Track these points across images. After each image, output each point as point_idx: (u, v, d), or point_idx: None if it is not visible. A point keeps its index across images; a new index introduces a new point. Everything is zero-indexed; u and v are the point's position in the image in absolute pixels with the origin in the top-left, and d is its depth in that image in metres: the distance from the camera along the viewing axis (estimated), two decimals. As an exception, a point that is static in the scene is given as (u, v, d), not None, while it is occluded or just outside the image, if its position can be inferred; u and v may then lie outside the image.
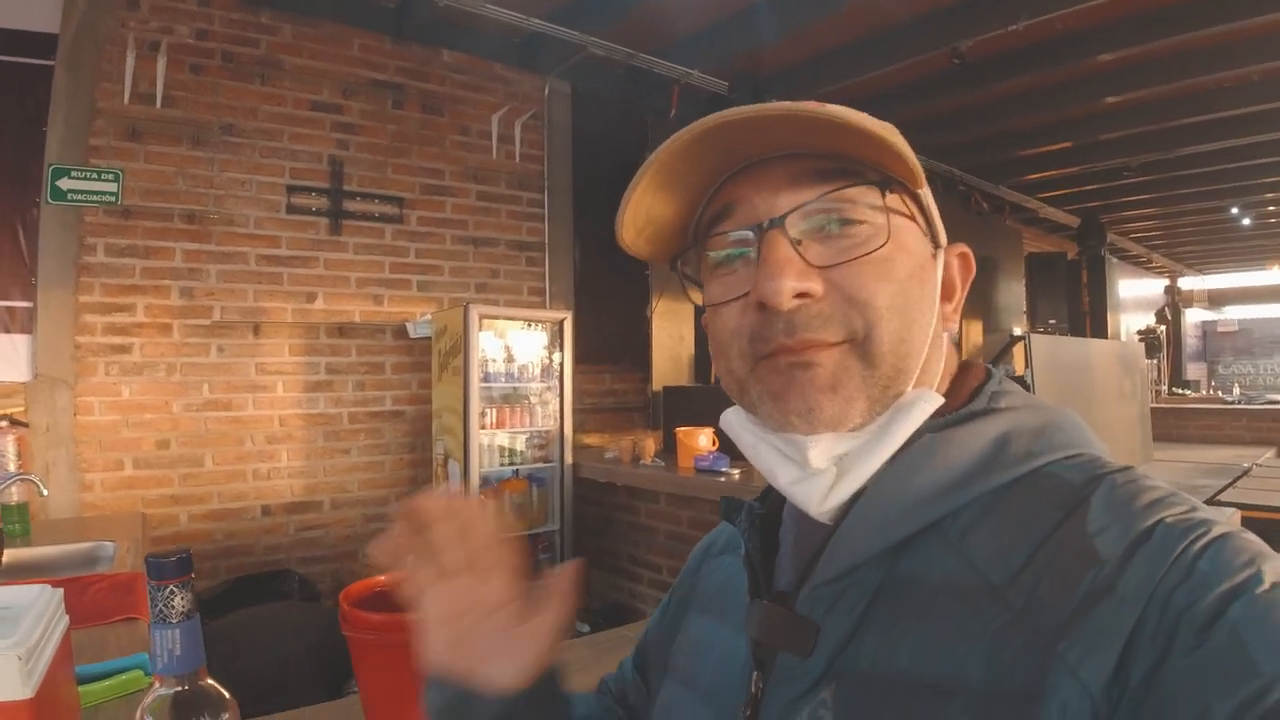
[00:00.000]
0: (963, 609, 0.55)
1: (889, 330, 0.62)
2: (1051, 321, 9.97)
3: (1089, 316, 10.52)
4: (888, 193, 0.64)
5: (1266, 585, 0.47)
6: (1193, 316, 17.46)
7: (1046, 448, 0.61)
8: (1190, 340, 16.88)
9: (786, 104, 0.60)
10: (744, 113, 0.60)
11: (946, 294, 0.70)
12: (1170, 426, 7.38)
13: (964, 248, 0.73)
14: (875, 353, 0.62)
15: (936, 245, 0.70)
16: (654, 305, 5.95)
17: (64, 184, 3.78)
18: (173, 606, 0.61)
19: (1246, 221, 10.47)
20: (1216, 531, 0.51)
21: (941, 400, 0.65)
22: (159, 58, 3.98)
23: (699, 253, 0.71)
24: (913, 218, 0.68)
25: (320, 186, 4.60)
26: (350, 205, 4.70)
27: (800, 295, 0.62)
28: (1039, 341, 3.53)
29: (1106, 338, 9.90)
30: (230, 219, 4.31)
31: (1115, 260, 11.61)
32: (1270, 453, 6.18)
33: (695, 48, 5.21)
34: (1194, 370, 16.14)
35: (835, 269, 0.62)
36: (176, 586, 0.62)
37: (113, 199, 3.91)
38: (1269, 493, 4.09)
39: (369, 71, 4.78)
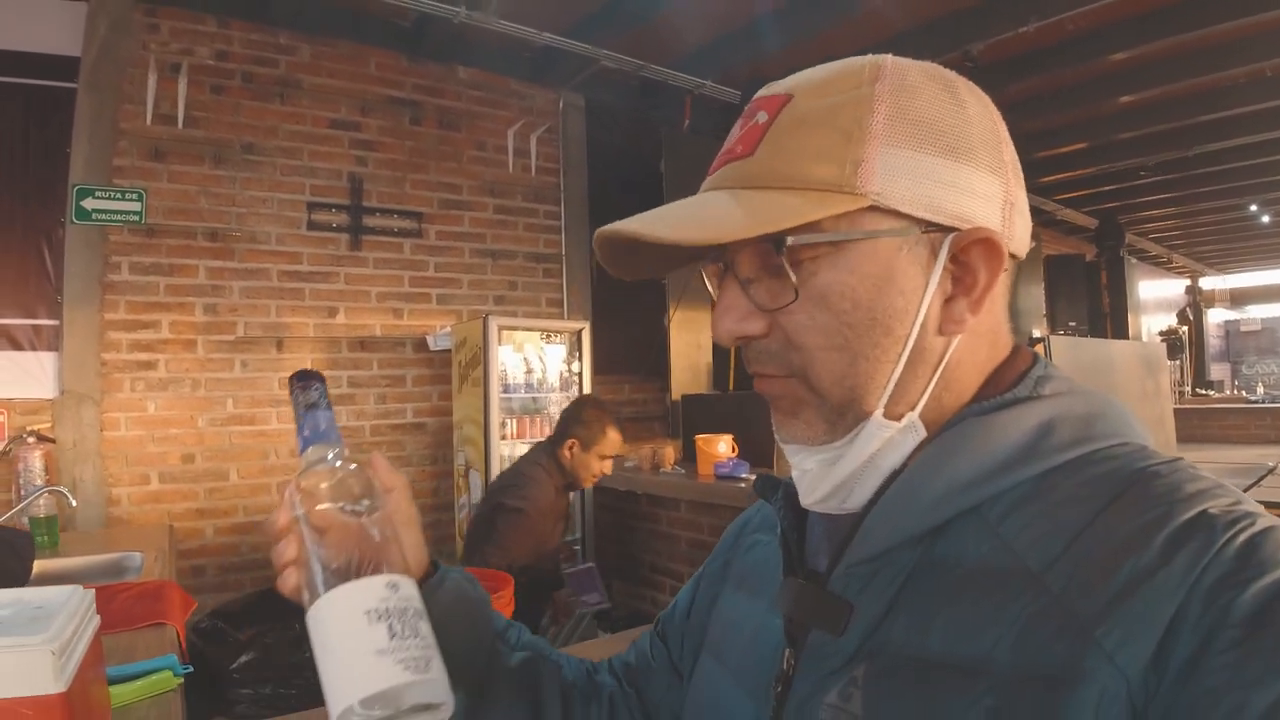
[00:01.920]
0: (998, 592, 0.55)
1: (827, 369, 0.62)
2: (1071, 324, 9.91)
3: (1109, 318, 10.44)
4: (824, 222, 0.60)
5: None
6: (1215, 316, 17.28)
7: (1091, 435, 0.60)
8: (1213, 340, 16.71)
9: (631, 226, 0.61)
10: (611, 232, 0.62)
11: (965, 288, 0.63)
12: (1194, 427, 7.32)
13: (986, 233, 0.62)
14: (818, 387, 0.63)
15: (947, 230, 0.62)
16: (671, 314, 5.97)
17: (88, 204, 3.85)
18: (303, 401, 0.74)
19: (1266, 219, 10.37)
20: (1262, 524, 0.50)
21: (892, 430, 0.63)
22: (180, 79, 4.06)
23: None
24: (895, 217, 0.61)
25: (340, 203, 4.65)
26: (370, 221, 4.75)
27: (741, 337, 0.65)
28: (1059, 344, 3.52)
29: (1128, 339, 9.82)
30: (252, 236, 4.37)
31: (1134, 261, 11.54)
32: (1295, 452, 6.12)
33: (705, 59, 5.23)
34: (1217, 370, 15.99)
35: (778, 312, 0.63)
36: (304, 385, 0.75)
37: (136, 218, 3.98)
38: (1293, 491, 4.05)
39: (386, 89, 4.84)
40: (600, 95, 5.69)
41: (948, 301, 0.63)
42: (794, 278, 0.60)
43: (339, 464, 0.72)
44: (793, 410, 0.65)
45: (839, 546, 0.65)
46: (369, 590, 0.63)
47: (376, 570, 0.65)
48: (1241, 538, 0.49)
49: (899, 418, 0.63)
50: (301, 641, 3.74)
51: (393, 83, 4.88)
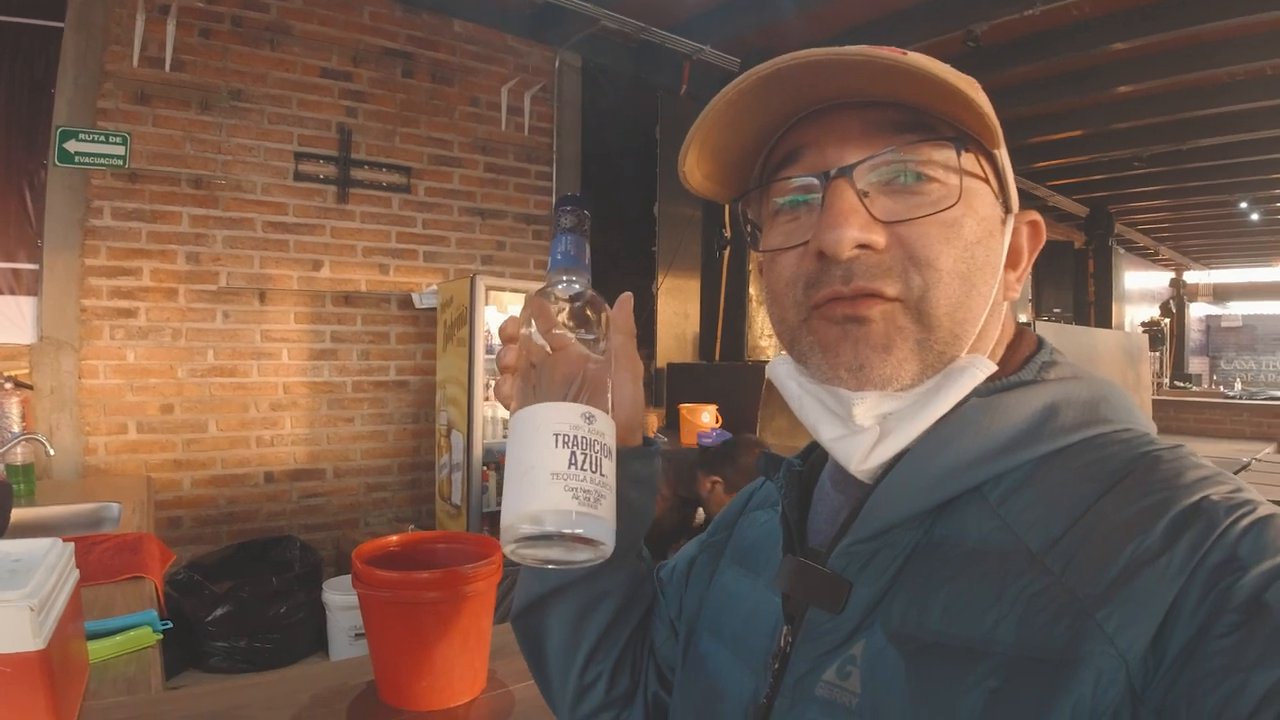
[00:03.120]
0: (998, 573, 0.55)
1: (947, 294, 0.61)
2: (1056, 310, 9.97)
3: (1094, 306, 10.52)
4: (963, 151, 0.62)
5: None
6: (1197, 311, 17.44)
7: (1095, 420, 0.60)
8: (1194, 334, 16.86)
9: (865, 48, 0.58)
10: (820, 54, 0.58)
11: (1013, 262, 0.69)
12: (1170, 419, 7.40)
13: (1035, 215, 0.70)
14: (931, 315, 0.61)
15: (1008, 210, 0.68)
16: (660, 282, 5.94)
17: (71, 146, 3.76)
18: (562, 224, 0.73)
19: (1255, 217, 10.44)
20: (1262, 511, 0.51)
21: (994, 368, 0.64)
22: (169, 21, 3.95)
23: (762, 196, 0.70)
24: (986, 179, 0.65)
25: (328, 154, 4.58)
26: (358, 174, 4.68)
27: (862, 246, 0.61)
28: (1044, 329, 3.54)
29: (1111, 328, 9.89)
30: (237, 185, 4.29)
31: (1122, 251, 11.59)
32: (1270, 448, 6.20)
33: (708, 24, 5.17)
34: (1196, 364, 16.15)
35: (901, 225, 0.61)
36: (565, 210, 0.74)
37: (120, 162, 3.90)
38: (1268, 487, 4.10)
39: (379, 39, 4.75)
40: (598, 56, 5.60)
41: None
42: (961, 183, 0.62)
43: (577, 290, 0.73)
44: (886, 343, 0.61)
45: (842, 525, 0.65)
46: (563, 414, 0.64)
47: (582, 399, 0.66)
48: (1242, 524, 0.49)
49: None
50: (277, 597, 3.74)
51: (386, 33, 4.78)
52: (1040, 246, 0.71)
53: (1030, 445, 0.59)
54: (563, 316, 0.72)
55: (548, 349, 0.70)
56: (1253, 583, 0.46)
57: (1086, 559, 0.52)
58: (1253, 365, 17.36)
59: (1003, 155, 0.67)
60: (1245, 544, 0.48)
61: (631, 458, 0.77)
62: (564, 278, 0.73)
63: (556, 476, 0.61)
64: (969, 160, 0.63)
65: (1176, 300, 14.48)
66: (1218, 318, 18.26)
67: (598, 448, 0.64)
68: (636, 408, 0.78)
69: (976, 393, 0.63)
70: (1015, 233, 0.68)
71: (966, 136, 0.63)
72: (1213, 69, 5.41)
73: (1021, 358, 0.67)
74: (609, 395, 0.70)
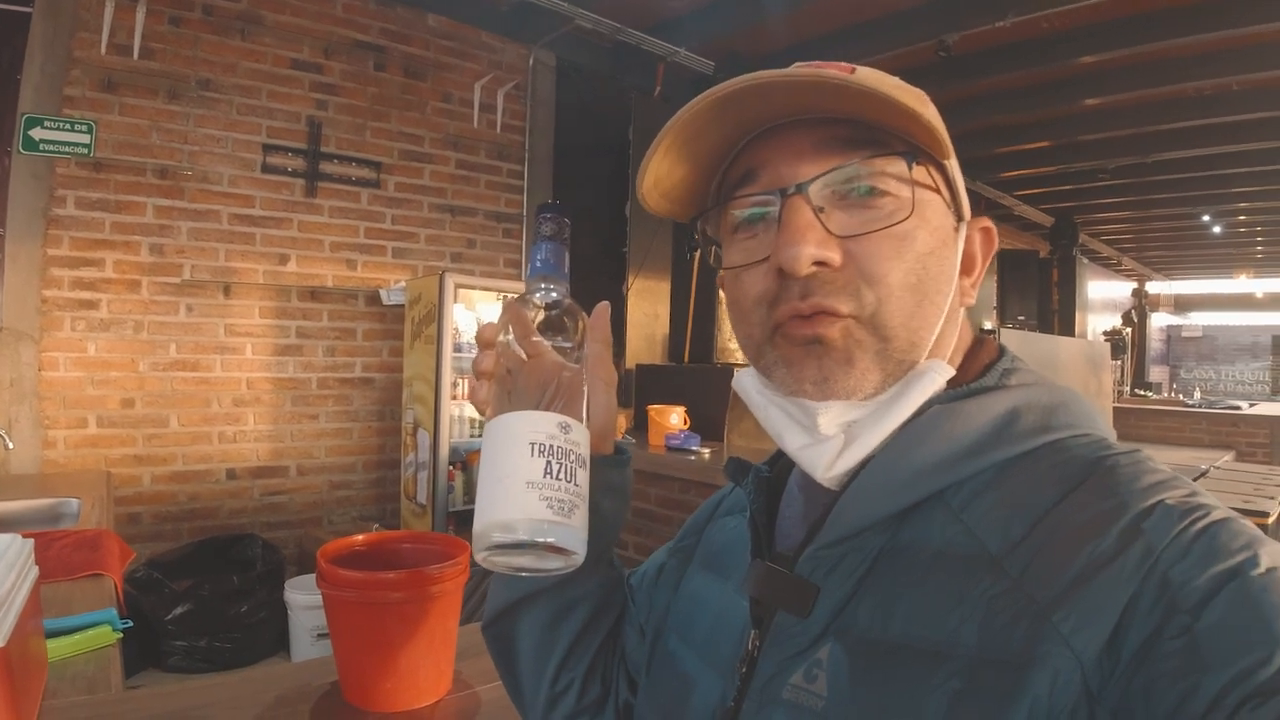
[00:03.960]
0: (960, 576, 0.56)
1: (899, 308, 0.62)
2: (1021, 318, 10.08)
3: (1058, 315, 10.65)
4: (914, 164, 0.64)
5: (1262, 568, 0.48)
6: (1158, 320, 17.76)
7: (1054, 425, 0.61)
8: (1154, 343, 17.17)
9: (813, 70, 0.60)
10: (771, 77, 0.60)
11: (967, 268, 0.70)
12: (1131, 426, 7.50)
13: (987, 222, 0.73)
14: (886, 327, 0.62)
15: (960, 218, 0.70)
16: (630, 283, 5.94)
17: (36, 134, 3.69)
18: (542, 231, 0.75)
19: (1217, 229, 10.64)
20: (1216, 515, 0.52)
21: (952, 371, 0.65)
22: (138, 7, 3.89)
23: (720, 214, 0.72)
24: (938, 190, 0.67)
25: (297, 147, 4.53)
26: (327, 167, 4.63)
27: (818, 263, 0.62)
28: (1009, 336, 3.57)
29: (1074, 336, 10.02)
30: (204, 176, 4.24)
31: (1086, 261, 11.75)
32: (1229, 456, 6.29)
33: (683, 26, 5.18)
34: (1157, 373, 16.44)
35: (855, 240, 0.62)
36: (545, 217, 0.75)
37: (85, 151, 3.83)
38: (1225, 495, 4.16)
39: (351, 31, 4.71)
40: (572, 55, 5.60)
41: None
42: (913, 196, 0.63)
43: (555, 298, 0.74)
44: (847, 358, 0.63)
45: (809, 530, 0.66)
46: (539, 423, 0.64)
47: (557, 407, 0.67)
48: (1196, 528, 0.50)
49: None
50: (238, 596, 3.69)
51: (359, 25, 4.74)
52: (993, 251, 0.73)
53: (992, 450, 0.60)
54: (540, 323, 0.73)
55: (524, 355, 0.71)
56: (1205, 585, 0.47)
57: (1044, 562, 0.53)
58: (1212, 375, 17.70)
59: (953, 165, 0.69)
60: (1198, 547, 0.49)
61: (604, 465, 0.78)
62: (542, 285, 0.74)
63: (531, 485, 0.62)
64: (920, 172, 0.65)
65: (1138, 310, 14.71)
66: (1178, 327, 18.60)
67: (573, 457, 0.64)
68: (610, 415, 0.79)
69: (939, 399, 0.64)
70: (968, 240, 0.70)
71: (917, 149, 0.64)
72: (1178, 84, 5.51)
73: (982, 365, 0.69)
74: (584, 402, 0.71)
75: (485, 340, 0.73)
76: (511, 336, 0.72)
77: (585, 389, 0.72)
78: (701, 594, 0.81)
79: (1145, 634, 0.47)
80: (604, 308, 0.79)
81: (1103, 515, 0.53)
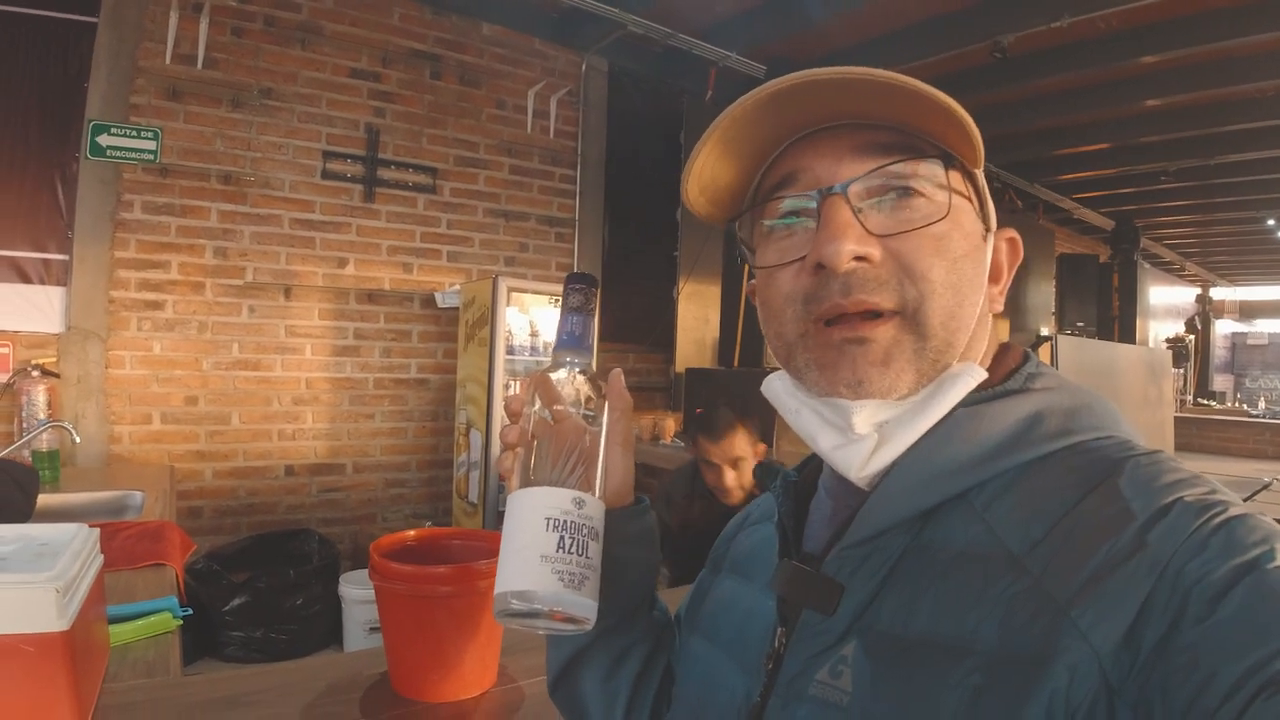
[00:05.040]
0: (981, 575, 0.57)
1: (941, 305, 0.64)
2: (1079, 324, 9.87)
3: (1118, 321, 10.40)
4: (949, 170, 0.66)
5: (1278, 562, 0.48)
6: (1222, 328, 17.22)
7: (1077, 428, 0.62)
8: (1219, 351, 16.67)
9: (863, 69, 0.61)
10: (825, 74, 0.61)
11: (994, 277, 0.72)
12: (1192, 436, 7.32)
13: (1013, 233, 0.75)
14: (926, 324, 0.64)
15: (987, 228, 0.71)
16: (680, 287, 5.95)
17: (104, 140, 3.82)
18: (569, 303, 0.80)
19: (1283, 234, 10.31)
20: (1233, 511, 0.52)
21: (985, 374, 0.66)
22: (201, 19, 4.01)
23: (755, 217, 0.73)
24: (969, 198, 0.69)
25: (356, 154, 4.62)
26: (384, 173, 4.72)
27: (858, 259, 0.63)
28: (1066, 343, 3.52)
29: (1135, 343, 9.80)
30: (266, 182, 4.35)
31: (1147, 266, 11.48)
32: (1293, 467, 6.12)
33: (733, 31, 5.16)
34: (1220, 381, 15.96)
35: (894, 238, 0.64)
36: (574, 288, 0.80)
37: (151, 157, 3.95)
38: (1289, 506, 4.05)
39: (408, 41, 4.79)
40: (624, 61, 5.62)
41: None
42: (950, 200, 0.65)
43: (577, 370, 0.79)
44: (885, 357, 0.64)
45: (836, 531, 0.68)
46: (555, 499, 0.70)
47: (575, 476, 0.73)
48: (1213, 523, 0.51)
49: None
50: (294, 589, 3.78)
51: (415, 35, 4.83)
52: (1019, 262, 0.75)
53: (1014, 452, 0.61)
54: (564, 393, 0.78)
55: (550, 423, 0.76)
56: (1221, 579, 0.48)
57: (1064, 560, 0.54)
58: (1278, 384, 17.15)
59: (981, 176, 0.71)
60: (1215, 542, 0.50)
61: (623, 518, 0.82)
62: (567, 359, 0.79)
63: (545, 559, 0.67)
64: (954, 178, 0.67)
65: (1202, 316, 14.34)
66: (1243, 335, 18.04)
67: (585, 531, 0.69)
68: (627, 475, 0.83)
69: (964, 402, 0.65)
70: (995, 250, 0.72)
71: (951, 156, 0.66)
72: (1241, 84, 5.36)
73: (1007, 369, 0.70)
74: (599, 470, 0.76)
75: (512, 411, 0.77)
76: (538, 406, 0.77)
77: (603, 451, 0.77)
78: (729, 596, 0.83)
79: (1163, 628, 0.48)
80: (619, 375, 0.82)
81: (1121, 513, 0.54)
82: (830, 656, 0.63)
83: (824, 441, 0.68)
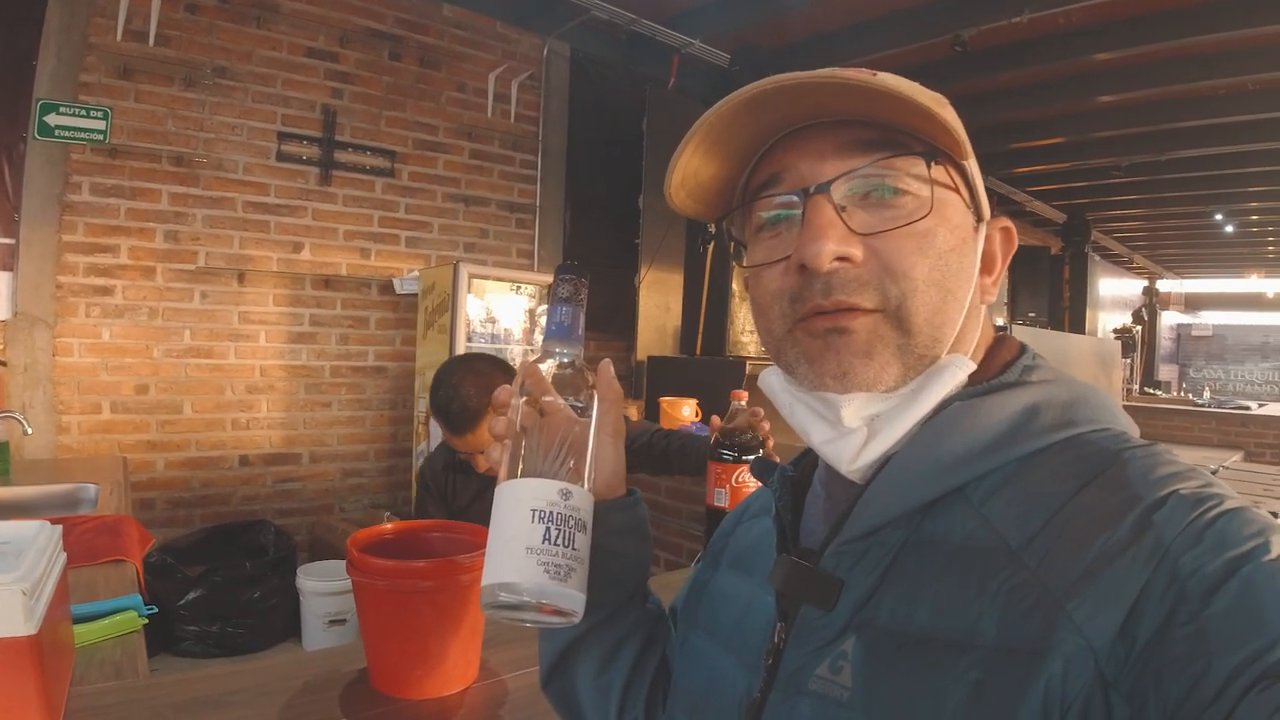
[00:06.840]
0: (980, 569, 0.57)
1: (924, 302, 0.63)
2: (1031, 315, 10.05)
3: (1068, 312, 10.61)
4: (933, 164, 0.65)
5: (1273, 555, 0.49)
6: (1168, 319, 17.65)
7: (1074, 420, 0.62)
8: (1164, 342, 17.07)
9: (837, 72, 0.61)
10: (800, 78, 0.61)
11: (987, 267, 0.72)
12: (1139, 425, 7.35)
13: (1007, 221, 0.74)
14: (910, 322, 0.63)
15: (980, 218, 0.71)
16: (642, 275, 5.93)
17: (52, 120, 3.71)
18: (559, 293, 0.78)
19: (1230, 229, 10.56)
20: (1229, 504, 0.53)
21: (974, 366, 0.66)
22: (155, -6, 3.90)
23: (745, 215, 0.73)
24: (957, 190, 0.68)
25: (312, 135, 4.54)
26: (341, 156, 4.64)
27: (840, 259, 0.63)
28: (1020, 333, 3.57)
29: (1084, 334, 9.99)
30: (219, 164, 4.25)
31: (1097, 258, 11.70)
32: (1237, 456, 6.28)
33: (698, 18, 5.16)
34: (1166, 372, 16.35)
35: (876, 237, 0.64)
36: (564, 279, 0.79)
37: (100, 137, 3.84)
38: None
39: (367, 20, 4.71)
40: (587, 45, 5.59)
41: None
42: (933, 195, 0.65)
43: (566, 360, 0.79)
44: (867, 350, 0.64)
45: (834, 525, 0.67)
46: (542, 491, 0.69)
47: (564, 467, 0.73)
48: (1208, 516, 0.51)
49: None
50: (251, 582, 3.71)
51: (374, 14, 4.74)
52: (1013, 251, 0.75)
53: (1011, 445, 0.61)
54: (550, 386, 0.77)
55: (539, 415, 0.76)
56: (1215, 572, 0.48)
57: (1060, 553, 0.54)
58: (1221, 374, 17.63)
59: (972, 166, 0.70)
60: (1210, 535, 0.50)
61: (615, 509, 0.82)
62: (557, 349, 0.79)
63: (531, 551, 0.67)
64: (939, 172, 0.66)
65: (1149, 308, 14.63)
66: (1189, 326, 18.53)
67: (572, 523, 0.69)
68: (618, 466, 0.84)
69: (961, 396, 0.65)
70: (988, 239, 0.72)
71: (936, 150, 0.66)
72: (1195, 82, 5.47)
73: (1003, 362, 0.70)
74: (589, 455, 0.76)
75: (501, 403, 0.77)
76: (522, 399, 0.77)
77: (592, 442, 0.76)
78: (728, 591, 0.82)
79: (1157, 621, 0.48)
80: (607, 365, 0.82)
81: (1117, 506, 0.54)
82: (830, 652, 0.63)
83: (816, 435, 0.68)
